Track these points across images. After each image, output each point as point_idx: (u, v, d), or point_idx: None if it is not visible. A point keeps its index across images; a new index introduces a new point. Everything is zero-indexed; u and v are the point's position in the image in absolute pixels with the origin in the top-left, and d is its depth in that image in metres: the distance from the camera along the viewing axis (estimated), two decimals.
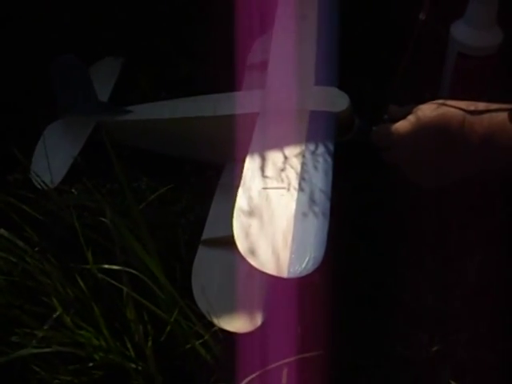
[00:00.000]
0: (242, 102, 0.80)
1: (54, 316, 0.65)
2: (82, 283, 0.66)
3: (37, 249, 0.70)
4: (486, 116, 0.65)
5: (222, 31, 0.89)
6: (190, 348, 0.66)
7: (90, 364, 0.66)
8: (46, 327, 0.64)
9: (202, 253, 0.74)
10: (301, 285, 0.66)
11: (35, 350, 0.60)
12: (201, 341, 0.65)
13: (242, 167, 0.71)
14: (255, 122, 0.76)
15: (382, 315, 0.74)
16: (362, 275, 0.77)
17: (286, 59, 0.83)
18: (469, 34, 0.79)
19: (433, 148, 0.69)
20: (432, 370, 0.69)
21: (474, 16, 0.78)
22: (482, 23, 0.78)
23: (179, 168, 0.85)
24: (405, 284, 0.77)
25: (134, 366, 0.66)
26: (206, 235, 0.76)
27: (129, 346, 0.65)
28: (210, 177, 0.82)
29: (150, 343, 0.65)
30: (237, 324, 0.67)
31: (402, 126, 0.72)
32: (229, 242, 0.64)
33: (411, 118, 0.71)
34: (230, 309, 0.68)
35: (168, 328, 0.66)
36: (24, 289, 0.68)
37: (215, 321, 0.67)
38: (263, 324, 0.67)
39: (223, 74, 0.89)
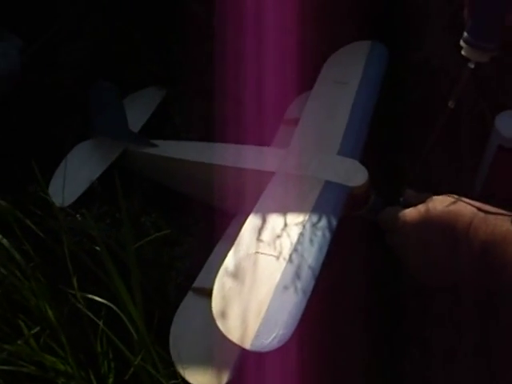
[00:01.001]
0: (262, 158, 0.80)
1: (31, 333, 0.67)
2: (62, 307, 0.68)
3: (31, 264, 0.72)
4: (492, 222, 0.62)
5: (269, 81, 0.90)
6: None
7: None
8: (19, 342, 0.66)
9: (189, 300, 0.74)
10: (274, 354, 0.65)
11: None
12: None
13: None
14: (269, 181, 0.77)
15: None
16: None
17: (315, 122, 0.83)
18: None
19: (434, 243, 0.67)
20: None
21: None
22: None
23: (192, 210, 0.85)
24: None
25: None
26: (197, 283, 0.76)
27: (92, 377, 0.67)
28: (219, 225, 0.82)
29: (111, 379, 0.66)
30: (202, 379, 0.67)
31: (409, 213, 0.70)
32: None
33: (421, 207, 0.69)
34: (200, 363, 0.68)
35: (131, 370, 0.66)
36: (8, 301, 0.71)
37: (181, 371, 0.67)
38: None
39: (259, 123, 0.90)
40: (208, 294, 0.71)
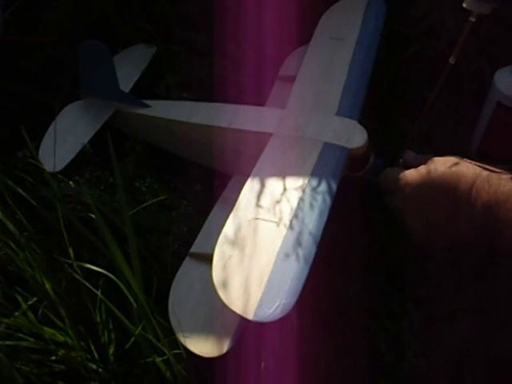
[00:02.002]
0: (259, 118, 0.78)
1: (28, 304, 0.66)
2: (59, 277, 0.67)
3: (25, 234, 0.70)
4: (496, 182, 0.62)
5: (263, 36, 0.87)
6: (153, 362, 0.66)
7: (53, 357, 0.67)
8: (17, 314, 0.65)
9: (187, 266, 0.73)
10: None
11: None
12: (163, 358, 0.65)
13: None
14: (267, 142, 0.75)
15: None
16: None
17: (312, 81, 0.81)
18: (511, 84, 0.75)
19: (435, 204, 0.66)
20: None
21: None
22: None
23: (187, 172, 0.83)
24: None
25: (94, 367, 0.67)
26: (194, 248, 0.74)
27: (92, 347, 0.66)
28: (215, 187, 0.80)
29: (112, 349, 0.65)
30: (203, 347, 0.66)
31: (410, 174, 0.69)
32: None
33: (422, 168, 0.68)
34: (200, 330, 0.67)
35: (132, 339, 0.66)
36: (3, 272, 0.69)
37: (182, 339, 0.66)
38: (229, 352, 0.66)
39: (254, 80, 0.87)
40: (206, 259, 0.71)
